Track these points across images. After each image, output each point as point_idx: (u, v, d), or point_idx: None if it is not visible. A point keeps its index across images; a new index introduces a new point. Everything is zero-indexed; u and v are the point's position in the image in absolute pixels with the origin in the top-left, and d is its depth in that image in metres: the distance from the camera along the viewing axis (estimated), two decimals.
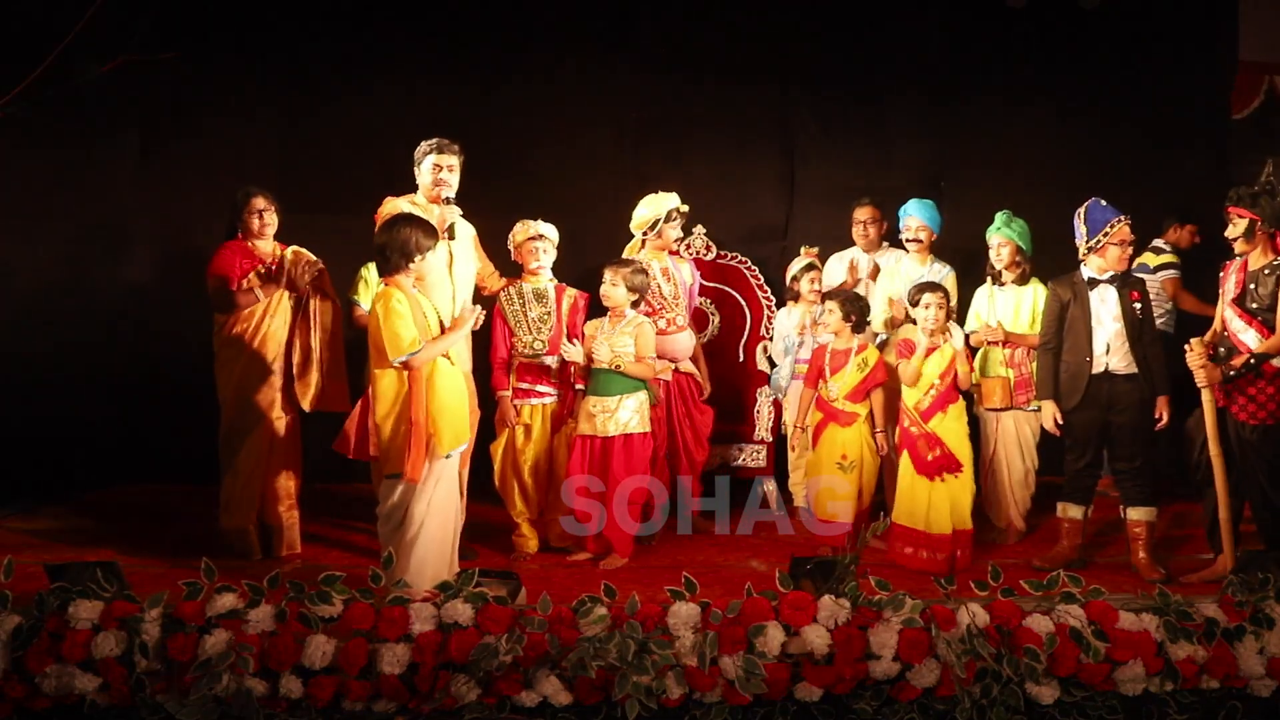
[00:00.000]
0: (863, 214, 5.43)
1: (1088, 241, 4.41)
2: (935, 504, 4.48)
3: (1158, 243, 5.75)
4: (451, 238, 4.45)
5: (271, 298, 4.59)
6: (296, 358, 4.64)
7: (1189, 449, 4.40)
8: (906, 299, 4.81)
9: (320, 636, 3.15)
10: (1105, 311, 4.42)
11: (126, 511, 5.49)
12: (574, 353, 4.61)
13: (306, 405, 4.65)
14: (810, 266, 5.30)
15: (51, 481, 5.76)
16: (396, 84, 6.03)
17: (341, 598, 3.23)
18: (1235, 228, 4.19)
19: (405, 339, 3.70)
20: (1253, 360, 4.05)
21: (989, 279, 5.00)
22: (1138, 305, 4.40)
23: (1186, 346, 4.19)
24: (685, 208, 5.06)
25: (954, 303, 5.08)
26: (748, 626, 3.18)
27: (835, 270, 5.47)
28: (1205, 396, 4.14)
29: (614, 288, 4.62)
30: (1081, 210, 4.45)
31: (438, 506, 3.83)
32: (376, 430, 3.83)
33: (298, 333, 4.65)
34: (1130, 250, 4.46)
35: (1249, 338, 4.10)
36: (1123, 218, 4.39)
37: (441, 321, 3.97)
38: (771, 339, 5.55)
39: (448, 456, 3.82)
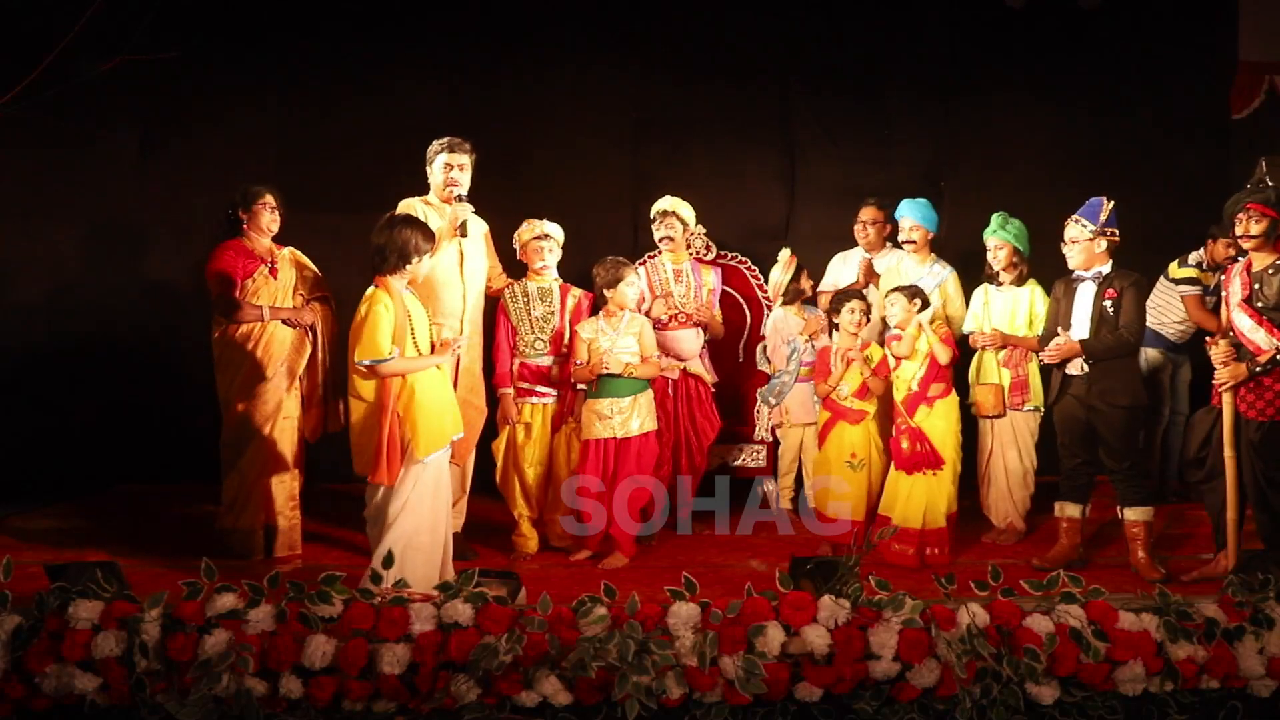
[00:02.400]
0: (867, 214, 5.40)
1: None
2: (910, 498, 4.54)
3: (1192, 256, 5.45)
4: (464, 235, 4.46)
5: (276, 297, 4.61)
6: (305, 389, 4.70)
7: (1186, 448, 4.39)
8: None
9: (320, 636, 3.15)
10: (1080, 309, 4.42)
11: (126, 511, 5.50)
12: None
13: (311, 437, 4.75)
14: (803, 269, 5.28)
15: (51, 481, 5.76)
16: (397, 83, 6.04)
17: (341, 598, 3.23)
18: (1257, 225, 4.11)
19: (377, 345, 3.67)
20: (1278, 356, 4.04)
21: (986, 280, 5.00)
22: (1108, 303, 4.34)
23: (1209, 341, 4.17)
24: (669, 209, 5.07)
25: (958, 305, 5.07)
26: (748, 626, 3.18)
27: (838, 270, 5.45)
28: (1226, 396, 4.13)
29: (629, 287, 4.62)
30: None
31: (414, 508, 3.79)
32: (353, 432, 3.84)
33: (304, 366, 4.68)
34: (1074, 248, 4.42)
35: (1259, 337, 4.09)
36: (1071, 219, 4.45)
37: (432, 327, 3.97)
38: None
39: (424, 461, 3.79)
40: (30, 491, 5.61)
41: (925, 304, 4.76)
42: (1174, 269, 5.45)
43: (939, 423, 4.58)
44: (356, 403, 3.81)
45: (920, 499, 4.53)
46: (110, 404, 5.98)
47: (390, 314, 3.71)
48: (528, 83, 6.12)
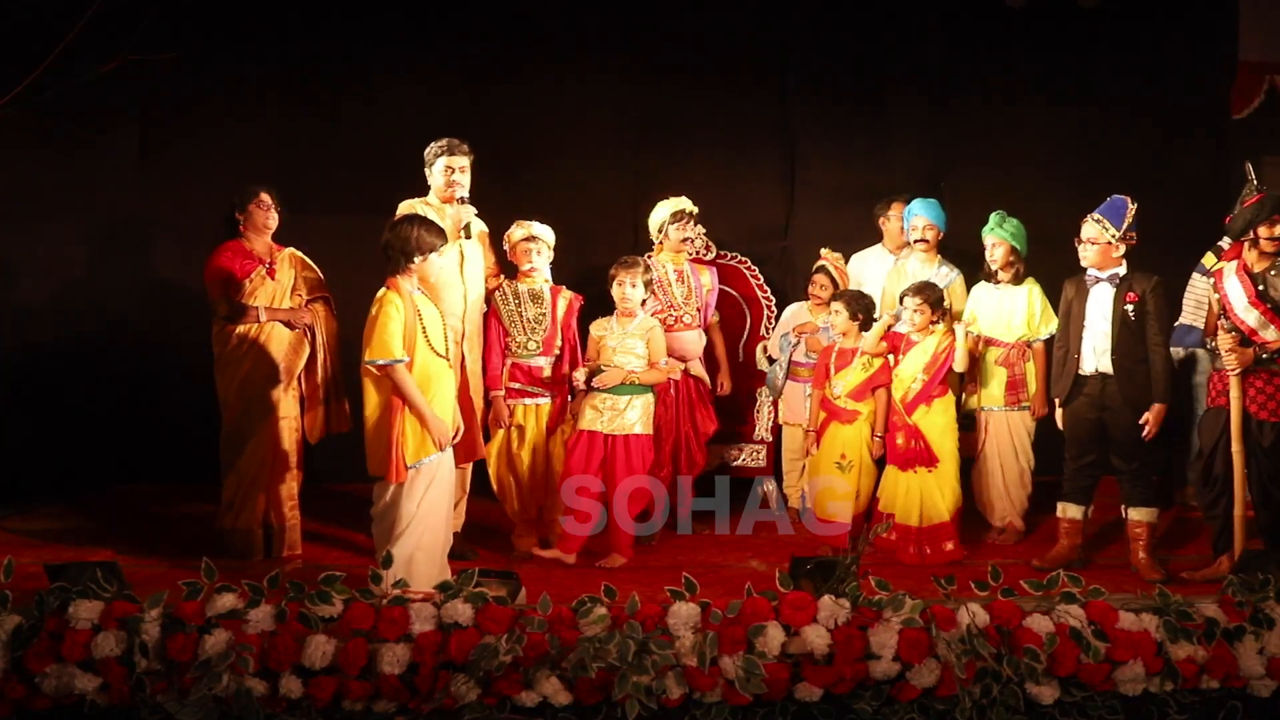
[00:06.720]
0: (897, 210, 5.35)
1: None
2: (908, 494, 4.57)
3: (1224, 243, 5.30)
4: (469, 236, 4.47)
5: (274, 297, 4.60)
6: (305, 389, 4.70)
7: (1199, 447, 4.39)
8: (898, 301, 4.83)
9: (320, 636, 3.15)
10: (1097, 311, 4.40)
11: (126, 511, 5.50)
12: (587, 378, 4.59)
13: (312, 438, 4.73)
14: (820, 270, 5.28)
15: (51, 481, 5.76)
16: (397, 84, 6.03)
17: (341, 598, 3.23)
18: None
19: (387, 346, 3.71)
20: None
21: (983, 279, 4.99)
22: (1130, 307, 4.31)
23: (1218, 327, 4.18)
24: (690, 209, 5.07)
25: (961, 306, 5.06)
26: (748, 626, 3.18)
27: (857, 270, 5.41)
28: (1234, 386, 4.12)
29: (634, 289, 4.61)
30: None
31: (430, 508, 3.83)
32: (367, 432, 3.86)
33: (304, 366, 4.67)
34: (1091, 249, 4.37)
35: (1269, 333, 4.09)
36: (1091, 217, 4.38)
37: (446, 330, 3.98)
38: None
39: (411, 466, 3.79)
40: (30, 491, 5.61)
41: (944, 314, 4.72)
42: (1209, 260, 5.34)
43: (938, 419, 4.59)
44: (368, 403, 3.84)
45: (916, 495, 4.55)
46: (110, 404, 5.97)
47: (401, 314, 3.74)
48: (527, 84, 6.11)
